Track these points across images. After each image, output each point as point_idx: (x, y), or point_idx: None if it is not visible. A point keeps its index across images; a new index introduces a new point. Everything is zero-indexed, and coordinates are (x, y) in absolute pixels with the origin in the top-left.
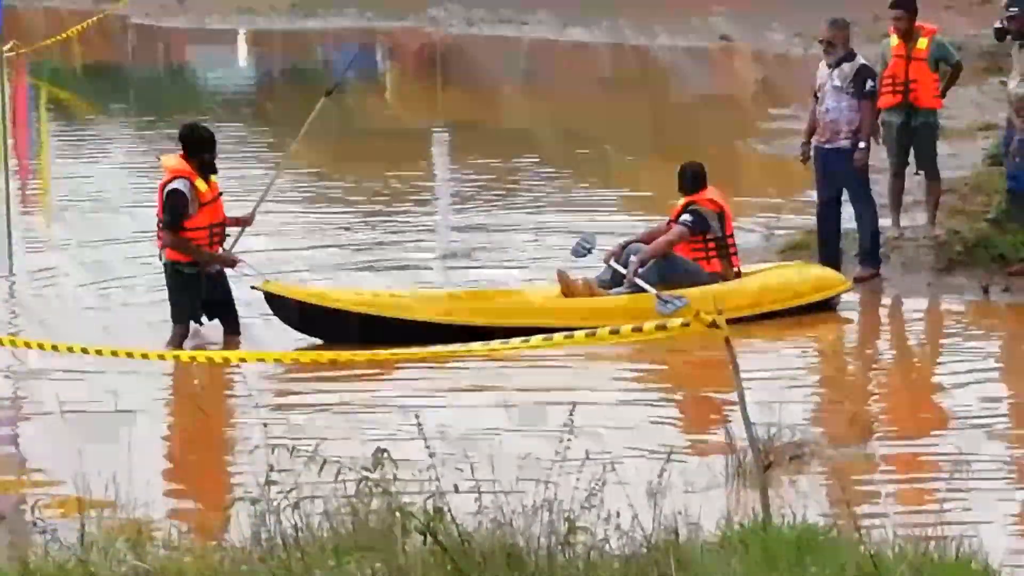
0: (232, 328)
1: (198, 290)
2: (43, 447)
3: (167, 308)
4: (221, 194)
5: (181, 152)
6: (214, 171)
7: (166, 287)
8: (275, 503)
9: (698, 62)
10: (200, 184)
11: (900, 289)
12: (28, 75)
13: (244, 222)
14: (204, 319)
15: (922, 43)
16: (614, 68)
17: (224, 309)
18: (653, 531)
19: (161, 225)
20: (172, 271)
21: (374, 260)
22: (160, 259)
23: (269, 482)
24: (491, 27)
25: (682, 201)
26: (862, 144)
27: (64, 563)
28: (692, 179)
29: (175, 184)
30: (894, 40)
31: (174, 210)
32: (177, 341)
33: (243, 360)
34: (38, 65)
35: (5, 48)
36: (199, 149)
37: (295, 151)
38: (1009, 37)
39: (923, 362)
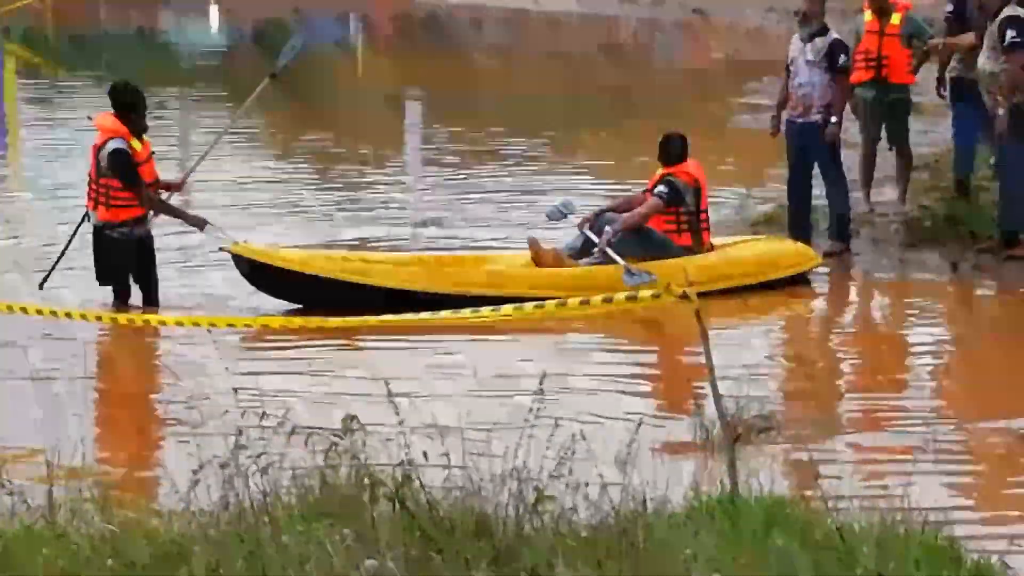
0: (150, 298)
1: (127, 253)
2: (10, 411)
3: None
4: (153, 154)
5: (113, 112)
6: (145, 130)
7: (93, 248)
8: (244, 468)
9: (672, 35)
10: (135, 144)
11: (870, 264)
12: None
13: (174, 187)
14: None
15: (895, 19)
16: (588, 39)
17: (144, 276)
18: (621, 501)
19: (94, 189)
20: (102, 233)
21: (346, 225)
22: (89, 219)
23: (238, 447)
24: None
25: (660, 172)
26: (833, 119)
27: (32, 525)
28: (672, 150)
29: (114, 144)
30: (867, 15)
31: (127, 169)
32: (122, 304)
33: (212, 325)
34: (10, 28)
35: None
36: (130, 108)
37: (235, 122)
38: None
39: (892, 338)
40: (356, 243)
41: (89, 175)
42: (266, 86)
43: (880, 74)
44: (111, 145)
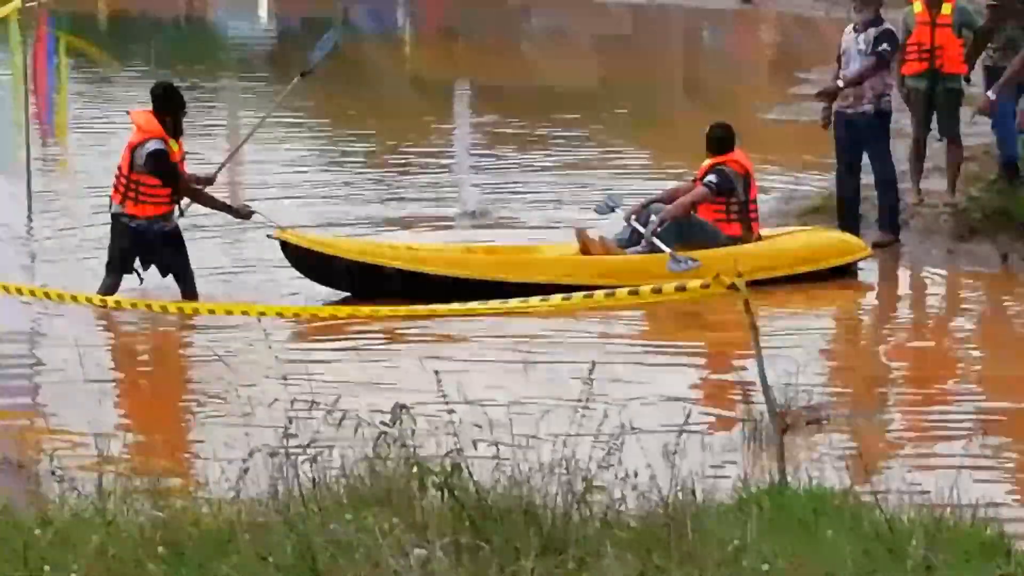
0: (189, 290)
1: (141, 247)
2: (61, 400)
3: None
4: (186, 155)
5: (152, 109)
6: (181, 132)
7: (111, 236)
8: (293, 456)
9: (721, 25)
10: (172, 144)
11: (919, 255)
12: (49, 25)
13: (205, 181)
14: (141, 271)
15: (946, 9)
16: (636, 29)
17: (180, 272)
18: (670, 492)
19: (123, 183)
20: (119, 223)
21: (393, 214)
22: (110, 209)
23: (288, 435)
24: None
25: (709, 162)
26: (840, 82)
27: (82, 512)
28: (720, 140)
29: (154, 145)
30: (918, 6)
31: (167, 169)
32: (105, 291)
33: (262, 314)
34: (60, 15)
35: None
36: (172, 110)
37: (266, 118)
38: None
39: (941, 329)
40: (403, 228)
41: (119, 168)
42: (298, 83)
43: (933, 65)
44: (150, 146)
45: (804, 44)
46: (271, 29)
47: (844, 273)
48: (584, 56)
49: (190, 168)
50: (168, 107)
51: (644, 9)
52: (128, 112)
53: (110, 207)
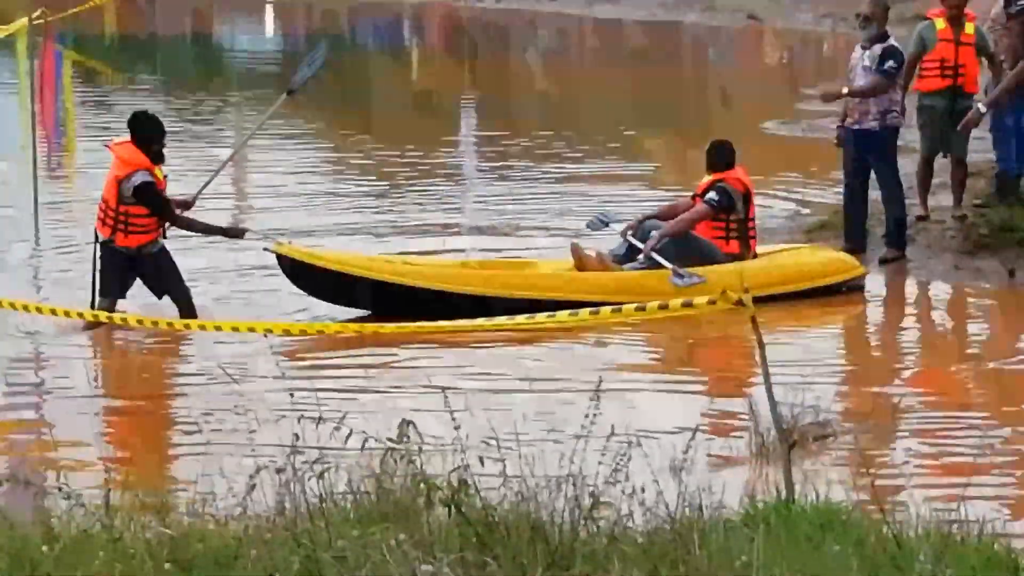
0: (185, 310)
1: (128, 270)
2: (69, 419)
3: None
4: (166, 177)
5: (130, 140)
6: (163, 160)
7: (99, 262)
8: (300, 473)
9: (726, 42)
10: (158, 172)
11: (926, 271)
12: (55, 43)
13: (184, 205)
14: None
15: (970, 28)
16: (641, 45)
17: (173, 290)
18: (677, 508)
19: (112, 216)
20: (107, 249)
21: (393, 229)
22: (96, 238)
23: (294, 452)
24: (519, 2)
25: (709, 178)
26: (845, 90)
27: (89, 529)
28: (721, 157)
29: (141, 177)
30: (940, 24)
31: (158, 201)
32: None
33: (269, 331)
34: (66, 33)
35: (33, 15)
36: (151, 139)
37: (250, 138)
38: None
39: (948, 345)
40: (403, 239)
41: (104, 201)
42: (283, 102)
43: (956, 83)
44: (137, 179)
45: (810, 60)
46: (277, 45)
47: (852, 290)
48: (590, 71)
49: (177, 188)
50: (148, 136)
51: (651, 25)
52: (107, 146)
53: (96, 238)
